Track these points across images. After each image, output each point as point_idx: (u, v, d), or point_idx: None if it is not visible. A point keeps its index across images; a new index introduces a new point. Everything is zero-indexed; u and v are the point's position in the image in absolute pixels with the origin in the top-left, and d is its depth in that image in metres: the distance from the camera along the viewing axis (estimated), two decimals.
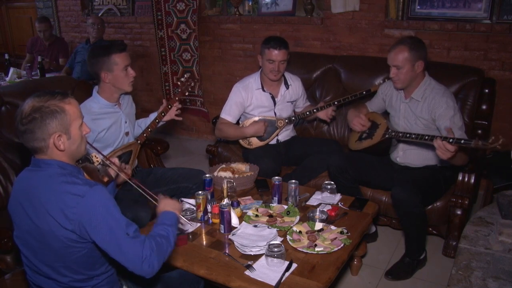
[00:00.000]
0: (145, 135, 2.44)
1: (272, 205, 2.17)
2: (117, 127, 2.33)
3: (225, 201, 2.07)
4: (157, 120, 2.46)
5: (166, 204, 1.57)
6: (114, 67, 2.19)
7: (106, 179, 1.65)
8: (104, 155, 1.67)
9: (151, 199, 1.66)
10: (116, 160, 1.74)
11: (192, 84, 2.63)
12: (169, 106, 2.46)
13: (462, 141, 1.91)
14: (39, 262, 1.40)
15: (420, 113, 2.36)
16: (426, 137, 2.12)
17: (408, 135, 2.25)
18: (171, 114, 2.51)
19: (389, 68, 2.35)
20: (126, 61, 2.23)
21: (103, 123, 2.25)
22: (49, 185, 1.35)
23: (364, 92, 2.72)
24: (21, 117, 1.33)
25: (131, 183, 1.68)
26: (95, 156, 1.59)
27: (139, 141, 2.43)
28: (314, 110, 2.79)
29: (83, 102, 2.28)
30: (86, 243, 1.36)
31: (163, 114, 2.46)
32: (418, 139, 2.18)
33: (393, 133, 2.35)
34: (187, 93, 2.61)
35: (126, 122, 2.38)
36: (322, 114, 2.81)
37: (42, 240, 1.36)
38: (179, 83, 2.54)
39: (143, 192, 1.67)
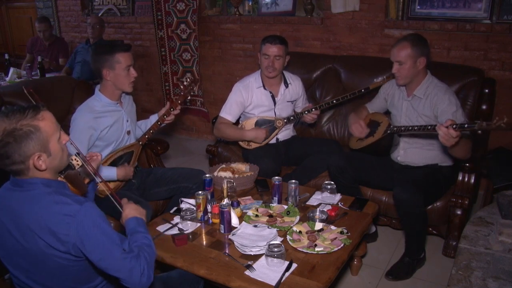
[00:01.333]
0: (147, 136, 2.45)
1: (272, 205, 2.16)
2: (119, 125, 2.33)
3: (225, 201, 2.07)
4: (159, 122, 2.47)
5: (131, 209, 1.53)
6: (116, 65, 2.20)
7: (87, 181, 1.61)
8: (80, 151, 1.56)
9: (116, 203, 1.60)
10: (98, 158, 1.66)
11: (195, 88, 2.63)
12: (171, 109, 2.48)
13: (466, 125, 1.89)
14: (32, 282, 1.35)
15: (422, 110, 2.36)
16: (429, 127, 2.13)
17: (410, 128, 2.27)
18: (172, 117, 2.52)
19: (392, 64, 2.36)
20: (128, 61, 2.24)
21: (105, 121, 2.25)
22: (36, 206, 1.27)
23: (362, 90, 2.72)
24: None
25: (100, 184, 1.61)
26: (75, 159, 1.51)
27: (140, 142, 2.44)
28: (313, 110, 2.78)
29: (85, 101, 2.30)
30: (82, 260, 1.33)
31: (165, 116, 2.47)
32: (421, 130, 2.19)
33: (395, 128, 2.36)
34: (189, 97, 2.61)
35: (127, 121, 2.39)
36: (307, 119, 2.80)
37: (34, 262, 1.31)
38: (181, 87, 2.55)
39: (109, 195, 1.61)
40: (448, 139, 1.96)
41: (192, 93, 2.63)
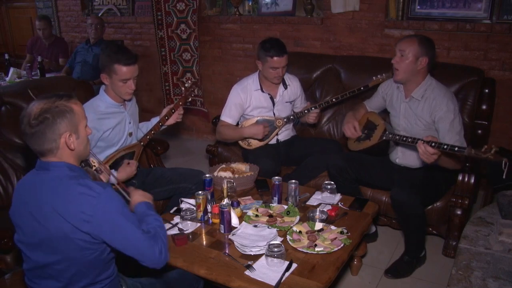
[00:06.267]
0: (148, 137, 2.46)
1: (272, 205, 2.16)
2: (121, 127, 2.34)
3: (225, 201, 2.07)
4: (160, 124, 2.48)
5: (139, 195, 1.64)
6: (113, 76, 2.20)
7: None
8: (96, 156, 1.68)
9: (124, 193, 1.70)
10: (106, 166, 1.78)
11: (196, 90, 2.66)
12: (172, 111, 2.48)
13: (456, 149, 1.91)
14: (46, 266, 1.38)
15: (420, 112, 2.35)
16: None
17: (404, 139, 2.24)
18: (174, 118, 2.53)
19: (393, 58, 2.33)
20: (127, 74, 2.21)
21: (108, 122, 2.25)
22: (60, 187, 1.33)
23: (362, 88, 2.71)
24: (30, 119, 1.31)
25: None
26: (92, 160, 1.61)
27: (142, 143, 2.45)
28: (313, 108, 2.78)
29: (90, 100, 2.30)
30: (99, 243, 1.36)
31: (166, 118, 2.48)
32: (414, 143, 2.17)
33: (390, 135, 2.36)
34: (190, 99, 2.63)
35: (130, 123, 2.39)
36: (309, 119, 2.79)
37: (53, 245, 1.34)
38: (183, 88, 2.56)
39: (117, 186, 1.72)
40: (427, 157, 1.97)
41: (193, 95, 2.66)
